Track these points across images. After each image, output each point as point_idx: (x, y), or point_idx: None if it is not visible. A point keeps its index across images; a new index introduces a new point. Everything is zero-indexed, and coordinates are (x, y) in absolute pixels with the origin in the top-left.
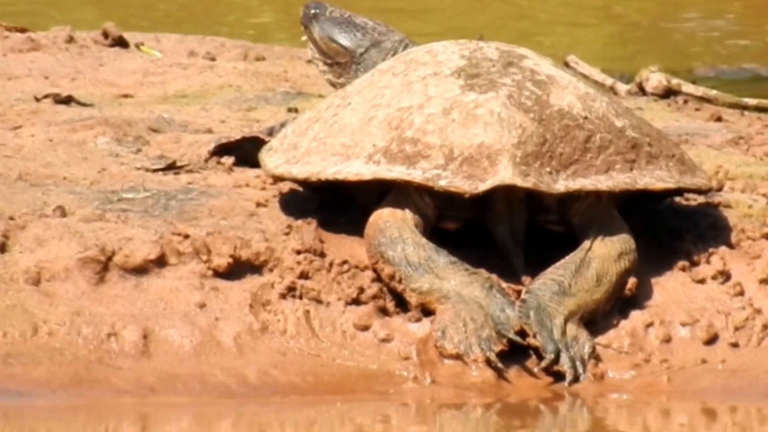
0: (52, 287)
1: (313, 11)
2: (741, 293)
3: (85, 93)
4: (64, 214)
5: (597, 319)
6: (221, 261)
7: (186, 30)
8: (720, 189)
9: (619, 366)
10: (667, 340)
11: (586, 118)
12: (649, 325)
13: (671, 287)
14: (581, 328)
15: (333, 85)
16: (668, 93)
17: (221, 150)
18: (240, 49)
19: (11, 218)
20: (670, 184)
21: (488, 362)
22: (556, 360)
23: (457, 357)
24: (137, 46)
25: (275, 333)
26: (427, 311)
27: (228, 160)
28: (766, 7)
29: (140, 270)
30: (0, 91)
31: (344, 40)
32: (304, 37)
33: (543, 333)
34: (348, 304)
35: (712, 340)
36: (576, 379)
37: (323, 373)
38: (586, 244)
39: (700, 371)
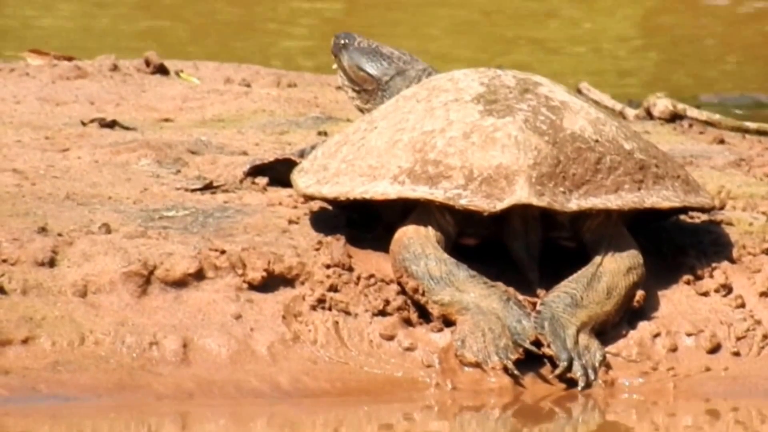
0: (97, 299)
1: (342, 41)
2: (742, 305)
3: (128, 117)
4: (109, 231)
5: (607, 329)
6: (256, 275)
7: (224, 58)
8: (722, 208)
9: (628, 373)
10: (673, 349)
11: (597, 141)
12: (656, 335)
13: (677, 299)
14: (592, 337)
15: (360, 110)
16: (674, 117)
17: (255, 171)
18: (273, 77)
19: (59, 235)
20: (676, 203)
21: (505, 370)
22: (569, 368)
23: (477, 365)
24: (177, 73)
25: (306, 342)
26: (448, 322)
27: (262, 180)
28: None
29: (180, 283)
30: (49, 116)
31: (371, 68)
32: (334, 66)
33: (557, 342)
34: (374, 315)
35: (715, 349)
36: (588, 385)
37: (351, 380)
38: (597, 259)
39: (704, 378)
